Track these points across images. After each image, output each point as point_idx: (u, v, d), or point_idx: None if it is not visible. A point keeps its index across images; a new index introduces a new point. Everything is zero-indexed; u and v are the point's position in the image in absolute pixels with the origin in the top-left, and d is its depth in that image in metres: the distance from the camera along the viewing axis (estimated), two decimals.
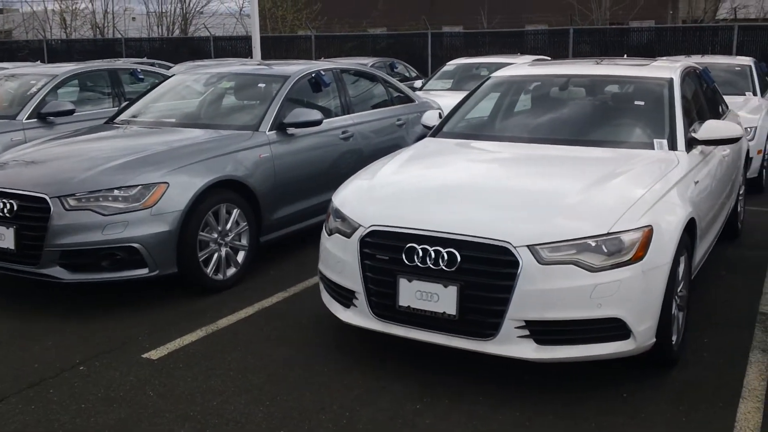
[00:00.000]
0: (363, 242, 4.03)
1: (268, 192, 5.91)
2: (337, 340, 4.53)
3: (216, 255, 5.49)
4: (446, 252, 3.76)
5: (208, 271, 5.42)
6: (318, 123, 6.26)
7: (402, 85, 8.38)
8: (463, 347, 3.81)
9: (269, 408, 3.77)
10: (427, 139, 5.43)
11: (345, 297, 4.20)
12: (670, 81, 5.22)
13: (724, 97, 9.19)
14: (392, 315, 3.96)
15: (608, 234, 3.69)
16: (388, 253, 3.94)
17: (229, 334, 4.73)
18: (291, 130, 6.24)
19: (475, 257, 3.72)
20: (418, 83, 12.26)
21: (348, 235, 4.14)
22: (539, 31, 19.97)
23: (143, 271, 5.11)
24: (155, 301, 5.32)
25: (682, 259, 4.19)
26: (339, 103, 7.08)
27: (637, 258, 3.70)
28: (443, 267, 3.76)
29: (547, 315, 3.65)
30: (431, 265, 3.79)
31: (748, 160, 7.24)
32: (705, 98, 6.03)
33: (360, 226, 4.08)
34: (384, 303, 3.97)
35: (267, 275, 5.90)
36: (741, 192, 6.87)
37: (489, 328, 3.72)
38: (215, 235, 5.48)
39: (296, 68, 6.84)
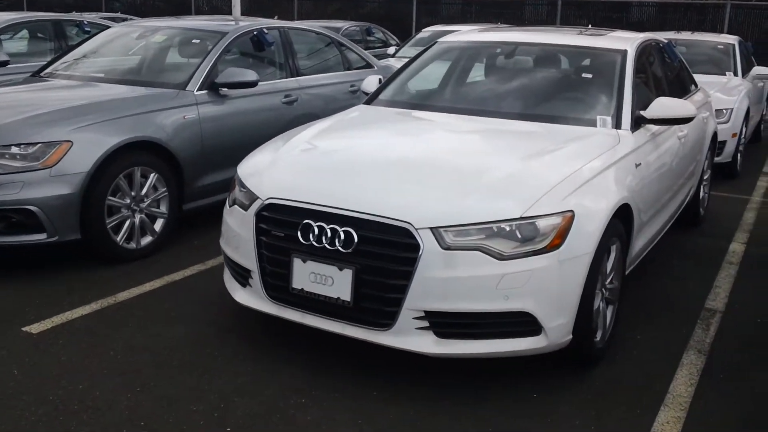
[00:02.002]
0: (259, 216, 3.64)
1: (192, 156, 5.50)
2: (238, 322, 4.16)
3: (128, 222, 5.10)
4: (343, 231, 3.37)
5: (119, 239, 5.03)
6: (253, 84, 5.83)
7: (360, 50, 7.93)
8: (357, 337, 3.44)
9: (139, 395, 3.40)
10: (358, 107, 5.02)
11: (242, 276, 3.82)
12: (624, 53, 4.80)
13: (705, 76, 8.85)
14: (286, 298, 3.59)
15: (522, 218, 3.30)
16: (283, 230, 3.55)
17: (125, 309, 4.35)
18: (224, 91, 5.81)
19: (373, 238, 3.34)
20: (391, 50, 11.79)
21: (246, 208, 3.75)
22: (528, 1, 19.40)
23: (41, 236, 4.72)
24: (57, 268, 4.94)
25: (613, 248, 3.82)
26: (283, 65, 6.64)
27: (554, 246, 3.32)
28: (339, 248, 3.38)
29: (448, 306, 3.27)
30: (327, 245, 3.41)
31: (716, 143, 6.82)
32: (667, 75, 5.62)
33: (258, 198, 3.68)
34: (278, 284, 3.59)
35: (189, 245, 5.52)
36: (706, 177, 6.48)
37: (385, 318, 3.35)
38: (128, 201, 5.07)
39: (236, 25, 6.39)
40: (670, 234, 5.70)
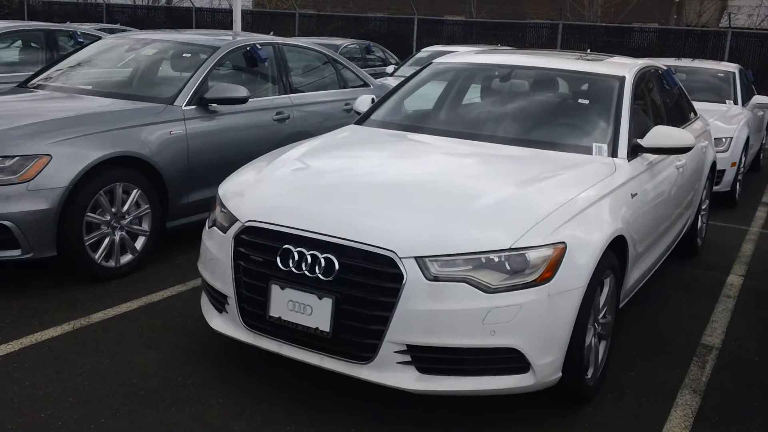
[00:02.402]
0: (238, 239, 3.48)
1: (178, 173, 5.34)
2: (214, 349, 3.99)
3: (108, 239, 4.93)
4: (323, 258, 3.21)
5: (97, 256, 4.86)
6: (243, 101, 5.69)
7: (356, 68, 7.80)
8: (336, 370, 3.26)
9: (101, 428, 3.22)
10: (349, 126, 4.87)
11: (218, 301, 3.66)
12: (622, 80, 4.67)
13: (704, 104, 8.74)
14: (263, 326, 3.42)
15: (511, 249, 3.14)
16: (262, 254, 3.39)
17: (97, 332, 4.17)
18: (213, 107, 5.67)
19: (354, 266, 3.18)
20: (390, 68, 11.68)
21: (225, 230, 3.59)
22: (529, 24, 19.31)
23: (15, 253, 4.55)
24: (31, 287, 4.77)
25: (607, 282, 3.66)
26: (276, 81, 6.50)
27: (544, 279, 3.16)
28: (319, 275, 3.21)
29: (432, 340, 3.10)
30: (306, 272, 3.24)
31: (715, 172, 6.68)
32: (666, 102, 5.49)
33: (237, 220, 3.52)
34: (255, 312, 3.42)
35: (171, 264, 5.35)
36: (704, 207, 6.34)
37: (365, 351, 3.18)
38: (108, 218, 4.91)
39: (228, 39, 6.25)
40: (667, 265, 5.55)
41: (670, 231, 5.02)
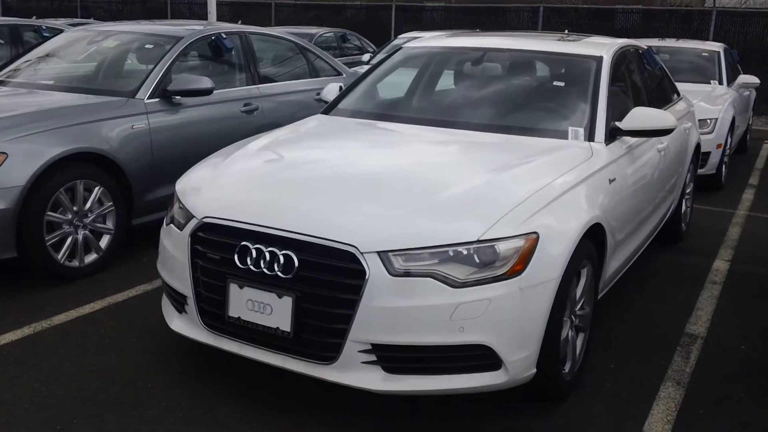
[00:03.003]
0: (194, 236, 3.30)
1: (141, 169, 5.16)
2: (177, 350, 3.82)
3: (70, 239, 4.75)
4: (282, 255, 3.04)
5: (60, 257, 4.68)
6: (208, 92, 5.50)
7: (329, 56, 7.60)
8: (298, 371, 3.10)
9: None
10: (315, 116, 4.69)
11: (178, 301, 3.48)
12: (599, 60, 4.49)
13: (689, 84, 8.59)
14: (223, 327, 3.25)
15: (479, 241, 2.97)
16: (220, 252, 3.21)
17: (58, 335, 4.00)
18: (177, 99, 5.48)
19: (315, 263, 3.00)
20: (366, 57, 11.47)
21: (181, 227, 3.42)
22: (510, 8, 19.04)
23: None
24: None
25: (584, 272, 3.51)
26: (244, 71, 6.30)
27: (515, 272, 2.99)
28: (278, 273, 3.04)
29: (397, 338, 2.94)
30: (265, 270, 3.07)
31: (700, 154, 6.52)
32: (647, 83, 5.32)
33: (194, 217, 3.35)
34: (214, 312, 3.25)
35: (137, 263, 5.16)
36: (688, 191, 6.19)
37: (328, 350, 3.01)
38: (69, 216, 4.72)
39: (192, 29, 6.05)
40: (649, 251, 5.40)
41: (652, 217, 4.86)
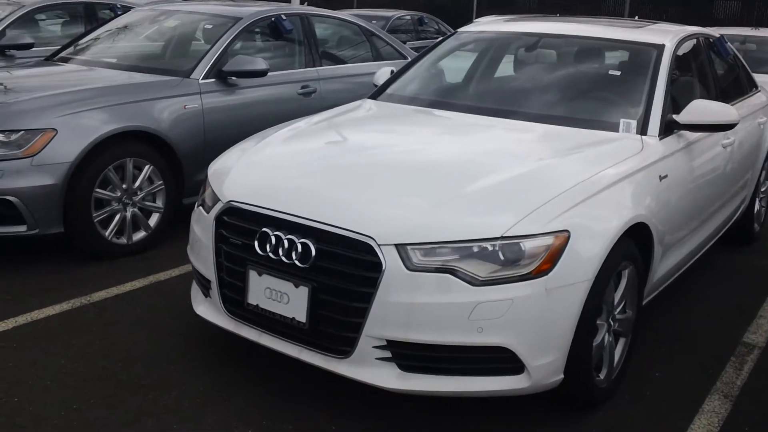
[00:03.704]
0: (219, 220, 3.26)
1: (193, 149, 5.17)
2: (205, 333, 3.79)
3: (119, 216, 4.80)
4: (300, 243, 2.96)
5: (108, 233, 4.74)
6: (263, 74, 5.47)
7: (394, 40, 7.46)
8: (313, 363, 3.02)
9: (73, 414, 3.07)
10: (361, 101, 4.58)
11: (204, 286, 3.46)
12: (660, 49, 4.23)
13: None
14: (243, 314, 3.20)
15: (503, 237, 2.82)
16: (241, 238, 3.16)
17: (95, 312, 4.04)
18: (233, 80, 5.47)
19: (332, 253, 2.91)
20: None
21: (208, 211, 3.38)
22: None
23: (21, 228, 4.46)
24: (38, 263, 4.67)
25: (625, 274, 3.30)
26: (303, 53, 6.24)
27: (541, 272, 2.83)
28: (296, 261, 2.96)
29: (413, 336, 2.82)
30: (283, 258, 3.00)
31: None
32: (716, 74, 4.99)
33: (219, 200, 3.31)
34: (235, 298, 3.21)
35: (186, 242, 5.12)
36: (763, 189, 5.82)
37: (343, 344, 2.92)
38: (118, 194, 4.78)
39: (252, 10, 6.02)
40: (715, 252, 5.10)
41: (716, 216, 4.57)
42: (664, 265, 3.81)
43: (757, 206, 5.72)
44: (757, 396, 3.50)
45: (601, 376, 3.26)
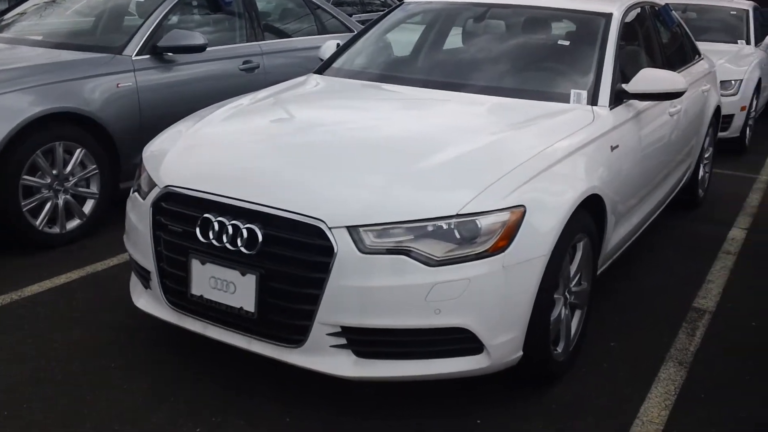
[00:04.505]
0: (157, 207, 3.08)
1: (128, 130, 4.93)
2: (147, 326, 3.61)
3: (50, 204, 4.56)
4: (246, 228, 2.80)
5: (38, 223, 4.49)
6: (201, 49, 5.24)
7: (339, 12, 7.27)
8: (264, 354, 2.89)
9: (2, 423, 2.87)
10: (306, 76, 4.42)
11: (143, 277, 3.27)
12: (608, 17, 4.16)
13: (715, 44, 8.17)
14: (186, 305, 3.04)
15: (458, 215, 2.72)
16: (182, 225, 2.99)
17: (27, 307, 3.82)
18: (169, 56, 5.23)
19: (280, 238, 2.77)
20: None
21: (144, 196, 3.19)
22: None
23: None
24: None
25: (580, 246, 3.24)
26: (244, 27, 6.01)
27: (498, 249, 2.74)
28: (241, 248, 2.81)
29: (368, 321, 2.71)
30: (228, 245, 2.84)
31: (720, 117, 6.16)
32: (662, 43, 4.96)
33: (156, 185, 3.12)
34: (177, 289, 3.04)
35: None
36: (706, 155, 5.86)
37: (295, 333, 2.79)
38: (49, 180, 4.53)
39: None
40: (662, 219, 5.11)
41: (664, 184, 4.57)
42: (617, 234, 3.78)
43: (701, 172, 5.76)
44: (710, 362, 3.50)
45: (559, 349, 3.21)
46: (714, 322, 3.91)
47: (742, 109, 7.74)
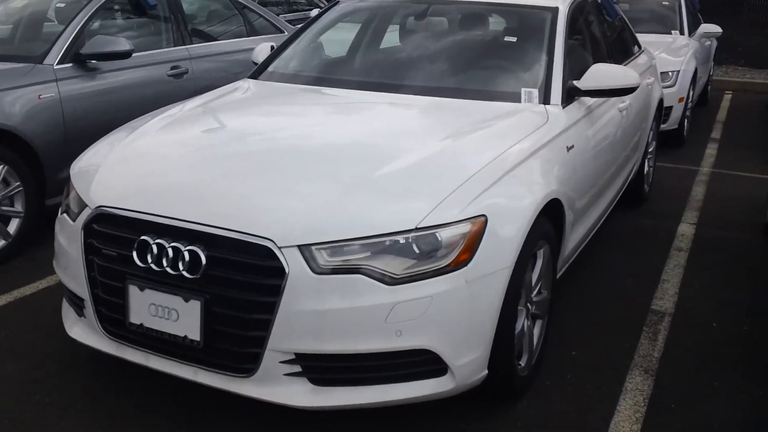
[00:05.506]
0: (88, 229, 2.82)
1: (53, 143, 4.63)
2: (86, 355, 3.35)
3: None
4: (187, 251, 2.58)
5: None
6: (126, 55, 4.96)
7: (269, 13, 7.04)
8: (212, 385, 2.66)
9: None
10: (240, 81, 4.19)
11: (76, 304, 3.01)
12: (555, 12, 4.05)
13: (649, 35, 8.18)
14: (125, 334, 2.79)
15: (417, 229, 2.54)
16: (117, 248, 2.74)
17: None
18: (93, 64, 4.92)
19: (225, 260, 2.55)
20: (314, 12, 10.84)
21: (74, 218, 2.93)
22: None
23: None
24: None
25: (540, 253, 3.10)
26: (170, 31, 5.73)
27: (460, 263, 2.57)
28: (183, 272, 2.58)
29: (324, 347, 2.51)
30: (168, 269, 2.61)
31: (662, 110, 6.14)
32: (606, 35, 4.88)
33: (87, 206, 2.87)
34: (114, 317, 2.79)
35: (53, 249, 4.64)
36: (651, 149, 5.82)
37: (245, 361, 2.58)
38: None
39: None
40: (611, 217, 5.03)
41: (614, 182, 4.49)
42: (574, 237, 3.67)
43: (646, 167, 5.72)
44: (676, 367, 3.42)
45: (522, 363, 3.07)
46: (675, 324, 3.83)
47: (680, 100, 7.76)
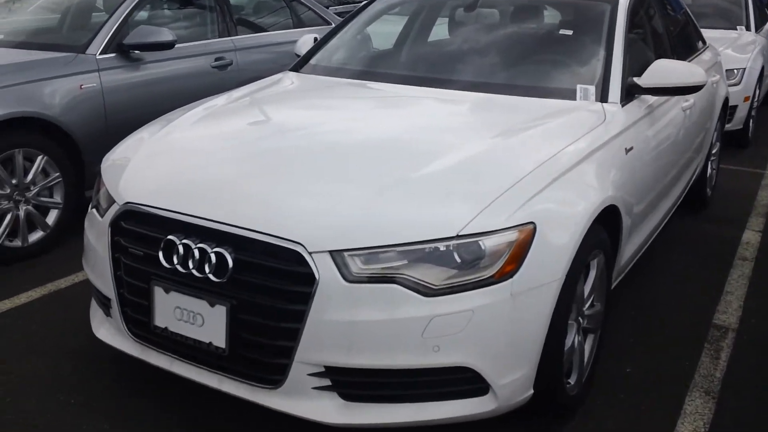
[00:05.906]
0: (115, 226, 2.70)
1: (93, 134, 4.54)
2: (113, 355, 3.22)
3: (10, 215, 4.17)
4: (214, 253, 2.43)
5: None
6: (170, 46, 4.85)
7: (316, 5, 6.87)
8: (237, 395, 2.52)
9: None
10: (282, 74, 4.03)
11: (104, 304, 2.90)
12: (614, 4, 3.80)
13: (713, 31, 7.80)
14: (150, 337, 2.66)
15: (459, 237, 2.35)
16: (143, 247, 2.61)
17: None
18: (136, 54, 4.83)
19: (253, 264, 2.40)
20: None
21: (103, 214, 2.81)
22: None
23: None
24: None
25: (594, 264, 2.88)
26: (215, 22, 5.62)
27: (505, 274, 2.37)
28: (209, 275, 2.43)
29: (356, 360, 2.34)
30: (194, 271, 2.46)
31: (727, 109, 5.82)
32: (669, 30, 4.60)
33: (115, 202, 2.74)
34: (140, 319, 2.66)
35: None
36: (714, 151, 5.51)
37: (273, 372, 2.42)
38: (8, 190, 4.14)
39: None
40: (671, 222, 4.75)
41: (675, 186, 4.21)
42: (631, 245, 3.43)
43: (709, 170, 5.41)
44: (739, 389, 3.15)
45: (572, 381, 2.86)
46: (738, 341, 3.56)
47: (746, 99, 7.39)
